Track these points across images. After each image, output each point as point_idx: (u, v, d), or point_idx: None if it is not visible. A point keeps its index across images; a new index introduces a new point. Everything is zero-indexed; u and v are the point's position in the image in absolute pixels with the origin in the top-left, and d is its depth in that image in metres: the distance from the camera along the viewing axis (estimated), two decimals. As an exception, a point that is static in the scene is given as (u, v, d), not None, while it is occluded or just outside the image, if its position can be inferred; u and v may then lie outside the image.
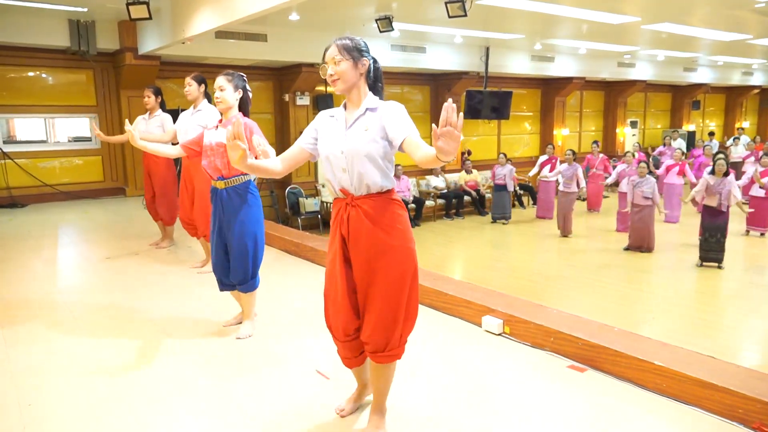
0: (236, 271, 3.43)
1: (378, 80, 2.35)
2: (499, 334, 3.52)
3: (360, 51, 2.27)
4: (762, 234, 9.59)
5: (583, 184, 10.36)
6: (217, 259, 3.50)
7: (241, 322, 3.68)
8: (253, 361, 3.25)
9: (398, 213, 2.30)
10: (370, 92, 2.32)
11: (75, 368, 3.17)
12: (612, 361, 2.95)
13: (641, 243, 8.76)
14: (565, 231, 10.12)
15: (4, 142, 9.11)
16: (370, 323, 2.30)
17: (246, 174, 3.39)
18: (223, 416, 2.65)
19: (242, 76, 3.47)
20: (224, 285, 3.57)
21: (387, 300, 2.27)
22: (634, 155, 9.77)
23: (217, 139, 3.42)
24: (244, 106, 3.45)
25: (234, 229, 3.39)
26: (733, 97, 22.06)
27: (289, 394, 2.85)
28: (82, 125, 9.85)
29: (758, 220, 9.52)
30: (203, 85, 4.84)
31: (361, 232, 2.26)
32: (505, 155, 11.90)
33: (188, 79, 4.77)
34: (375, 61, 2.34)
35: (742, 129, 19.71)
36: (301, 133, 9.31)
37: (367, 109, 2.27)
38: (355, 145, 2.23)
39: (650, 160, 12.33)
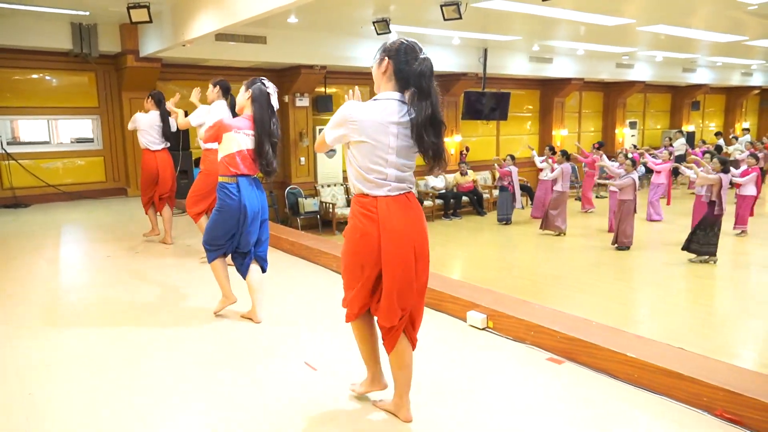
0: None
1: (403, 80, 2.32)
2: (483, 329, 3.65)
3: (383, 50, 2.36)
4: (743, 231, 9.76)
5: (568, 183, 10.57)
6: None
7: (251, 318, 3.93)
8: (246, 354, 3.39)
9: (353, 220, 2.45)
10: (389, 92, 2.35)
11: (76, 361, 3.31)
12: (588, 353, 3.07)
13: (619, 238, 8.96)
14: (546, 226, 10.27)
15: (8, 144, 9.26)
16: None
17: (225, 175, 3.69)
18: (216, 405, 2.78)
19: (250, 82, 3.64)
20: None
21: None
22: (626, 156, 9.91)
23: None
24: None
25: None
26: (732, 97, 22.11)
27: (279, 384, 2.99)
28: (84, 126, 10.01)
29: (743, 219, 9.69)
30: (219, 89, 5.17)
31: None
32: (512, 156, 11.99)
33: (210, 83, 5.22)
34: (400, 59, 2.31)
35: (747, 130, 19.76)
36: (300, 134, 9.72)
37: None
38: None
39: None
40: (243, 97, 3.60)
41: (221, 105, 5.13)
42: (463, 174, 13.29)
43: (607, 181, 9.02)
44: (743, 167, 9.87)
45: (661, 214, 11.29)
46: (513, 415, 2.66)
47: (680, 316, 6.34)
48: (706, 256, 7.98)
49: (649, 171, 12.69)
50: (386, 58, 2.33)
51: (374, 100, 2.36)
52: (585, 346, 3.08)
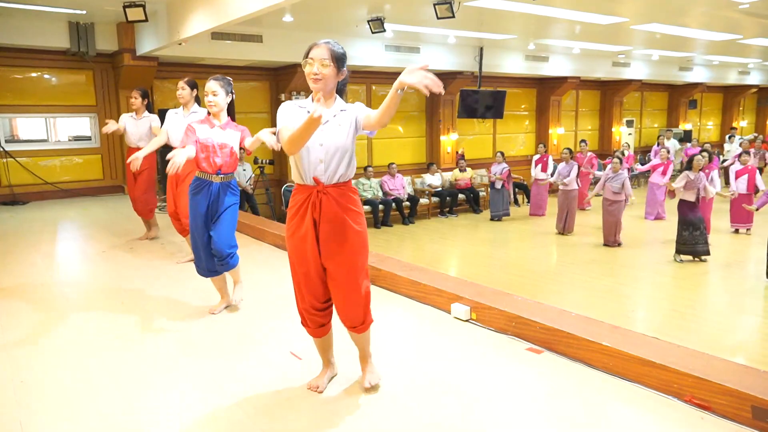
0: (223, 251, 3.77)
1: (345, 86, 2.64)
2: (467, 320, 3.73)
3: (343, 63, 2.54)
4: (747, 230, 9.78)
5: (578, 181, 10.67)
6: (205, 249, 3.77)
7: (227, 306, 4.06)
8: (233, 343, 3.47)
9: (356, 199, 2.61)
10: (338, 95, 2.60)
11: (68, 350, 3.40)
12: (566, 343, 3.15)
13: (608, 238, 9.04)
14: (565, 229, 10.31)
15: (7, 141, 9.35)
16: (345, 303, 2.62)
17: (232, 172, 3.83)
18: (204, 392, 2.87)
19: (229, 80, 3.76)
20: (212, 271, 3.86)
21: (356, 279, 2.59)
22: (623, 153, 9.98)
23: (221, 140, 3.71)
24: (230, 109, 3.77)
25: (223, 217, 3.75)
26: (730, 96, 22.14)
27: (264, 372, 3.07)
28: (82, 124, 10.10)
29: (742, 217, 9.72)
30: (195, 90, 5.09)
31: (331, 216, 2.53)
32: (502, 153, 12.09)
33: (181, 83, 5.01)
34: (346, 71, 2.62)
35: (736, 128, 19.81)
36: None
37: (341, 110, 2.55)
38: (334, 139, 2.50)
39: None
40: (225, 100, 3.72)
41: (201, 110, 5.01)
42: (462, 170, 13.39)
43: (624, 194, 8.98)
44: (738, 167, 9.90)
45: (665, 213, 11.34)
46: (494, 403, 2.74)
47: (671, 312, 6.42)
48: (701, 255, 8.02)
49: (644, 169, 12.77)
50: (345, 68, 2.55)
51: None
52: (563, 336, 3.16)
